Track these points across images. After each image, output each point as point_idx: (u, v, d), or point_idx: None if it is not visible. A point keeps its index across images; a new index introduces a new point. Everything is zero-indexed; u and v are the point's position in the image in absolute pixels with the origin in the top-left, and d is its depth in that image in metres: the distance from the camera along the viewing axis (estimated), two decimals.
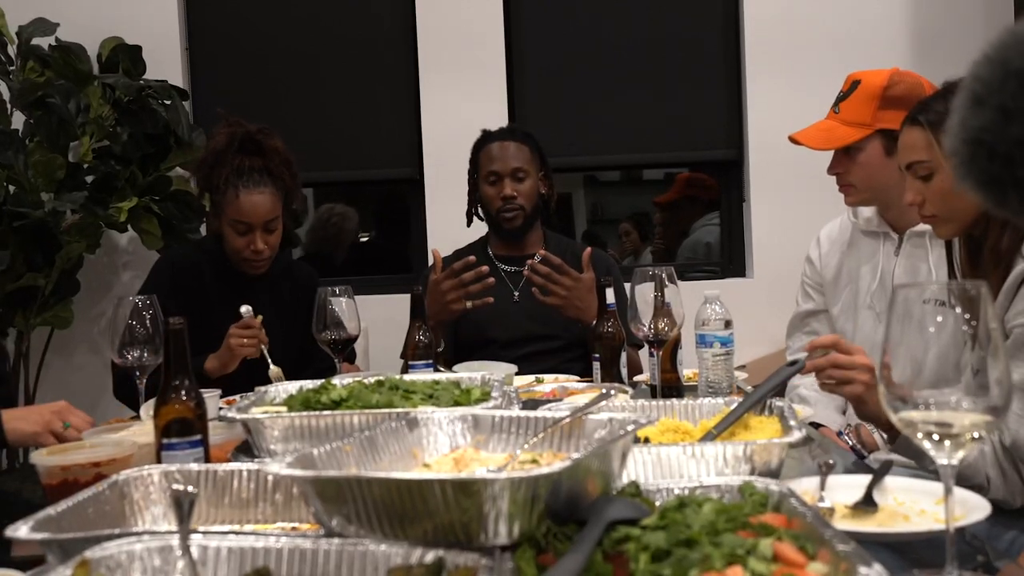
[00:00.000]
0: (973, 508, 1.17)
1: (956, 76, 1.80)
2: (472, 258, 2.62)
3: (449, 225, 2.67)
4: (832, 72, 2.73)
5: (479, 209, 2.96)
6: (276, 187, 2.56)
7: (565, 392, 2.07)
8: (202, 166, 2.61)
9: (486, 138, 2.94)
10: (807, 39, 3.75)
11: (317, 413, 1.45)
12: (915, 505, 1.26)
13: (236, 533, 1.02)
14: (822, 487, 1.29)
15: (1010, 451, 1.59)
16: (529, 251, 2.91)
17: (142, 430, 1.66)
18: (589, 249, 2.68)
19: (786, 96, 3.68)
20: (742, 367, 3.10)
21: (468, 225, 3.00)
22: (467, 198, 2.97)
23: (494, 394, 1.54)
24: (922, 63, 3.56)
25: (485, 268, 2.57)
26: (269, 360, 2.30)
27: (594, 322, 2.31)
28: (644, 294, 2.04)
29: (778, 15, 3.77)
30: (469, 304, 2.57)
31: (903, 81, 2.24)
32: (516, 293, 2.87)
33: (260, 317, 2.36)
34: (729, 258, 4.00)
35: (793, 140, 2.36)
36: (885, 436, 1.98)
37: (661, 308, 2.02)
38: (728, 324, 1.99)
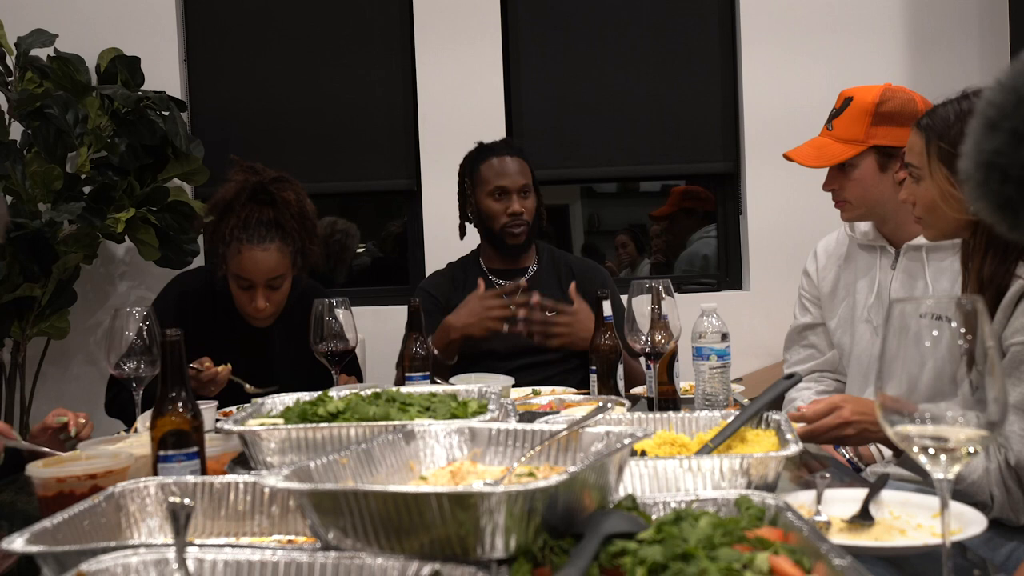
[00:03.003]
0: (969, 522, 1.17)
1: (954, 84, 1.84)
2: (523, 282, 2.73)
3: (446, 237, 2.67)
4: (828, 87, 2.75)
5: (473, 221, 2.95)
6: (285, 241, 2.44)
7: (562, 404, 2.07)
8: (212, 213, 2.50)
9: (484, 151, 2.92)
10: (804, 52, 3.77)
11: (314, 425, 1.45)
12: (911, 519, 1.26)
13: (232, 546, 1.02)
14: (819, 501, 1.29)
15: (1015, 470, 1.59)
16: (523, 264, 2.92)
17: (138, 442, 1.66)
18: (573, 284, 2.75)
19: (783, 108, 3.69)
20: (739, 380, 3.11)
21: (461, 238, 2.99)
22: (459, 211, 2.97)
23: (491, 406, 1.54)
24: (920, 70, 3.59)
25: (536, 299, 2.66)
26: (243, 383, 2.30)
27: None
28: (641, 306, 2.04)
29: (774, 28, 3.78)
30: (506, 327, 2.66)
31: (895, 97, 2.25)
32: (511, 307, 2.87)
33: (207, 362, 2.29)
34: (726, 271, 4.00)
35: (787, 158, 2.36)
36: (891, 452, 1.99)
37: (658, 321, 2.02)
38: (725, 337, 1.99)
